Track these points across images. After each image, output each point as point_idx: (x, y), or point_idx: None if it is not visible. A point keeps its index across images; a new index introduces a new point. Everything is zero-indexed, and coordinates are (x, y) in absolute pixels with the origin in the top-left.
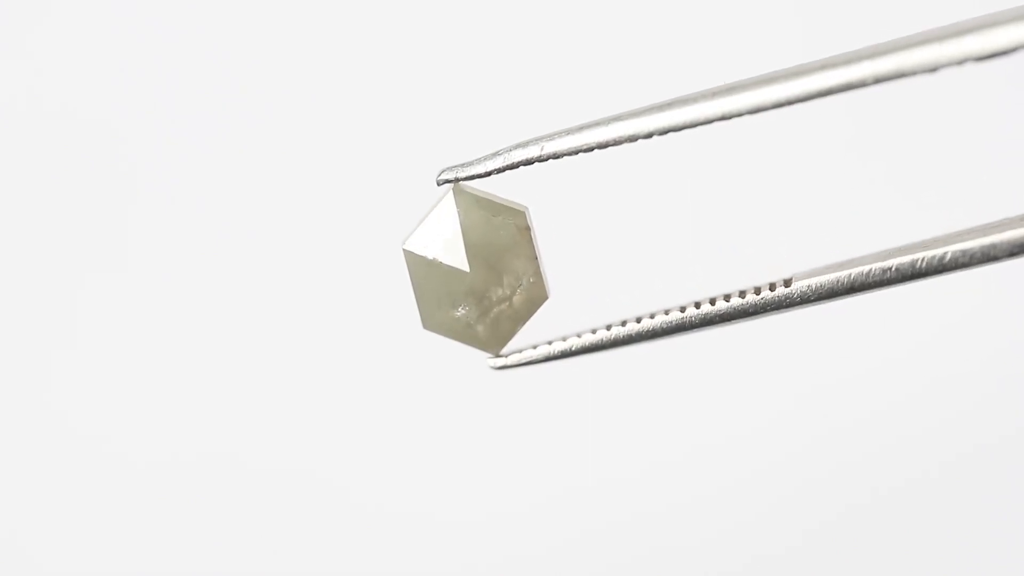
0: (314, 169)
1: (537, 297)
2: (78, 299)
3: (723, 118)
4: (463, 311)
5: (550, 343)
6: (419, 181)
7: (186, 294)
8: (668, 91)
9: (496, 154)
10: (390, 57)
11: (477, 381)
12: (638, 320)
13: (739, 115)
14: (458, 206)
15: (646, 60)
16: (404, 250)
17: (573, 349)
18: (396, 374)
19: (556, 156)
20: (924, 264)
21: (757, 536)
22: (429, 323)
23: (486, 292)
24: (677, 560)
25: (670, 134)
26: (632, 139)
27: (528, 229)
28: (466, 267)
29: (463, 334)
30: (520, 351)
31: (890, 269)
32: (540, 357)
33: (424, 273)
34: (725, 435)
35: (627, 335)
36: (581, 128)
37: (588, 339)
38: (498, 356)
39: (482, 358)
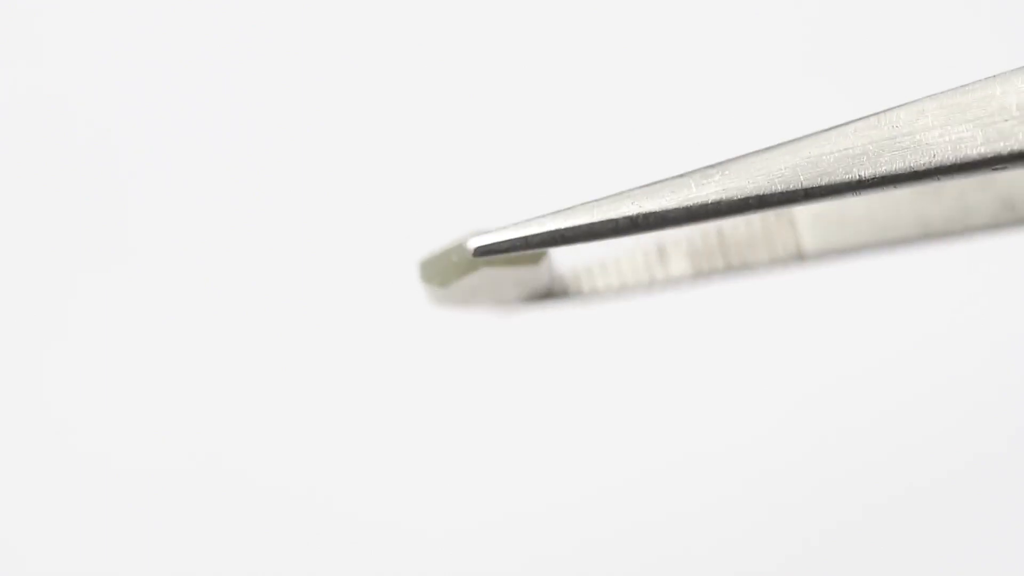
0: (318, 179)
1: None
2: (72, 299)
3: None
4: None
5: (539, 218)
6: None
7: (175, 292)
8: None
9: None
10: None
11: (472, 384)
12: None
13: None
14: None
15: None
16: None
17: (564, 230)
18: (395, 382)
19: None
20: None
21: (757, 541)
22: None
23: None
24: (676, 568)
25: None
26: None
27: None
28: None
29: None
30: (499, 229)
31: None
32: (534, 234)
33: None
34: (726, 439)
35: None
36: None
37: (582, 216)
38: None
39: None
